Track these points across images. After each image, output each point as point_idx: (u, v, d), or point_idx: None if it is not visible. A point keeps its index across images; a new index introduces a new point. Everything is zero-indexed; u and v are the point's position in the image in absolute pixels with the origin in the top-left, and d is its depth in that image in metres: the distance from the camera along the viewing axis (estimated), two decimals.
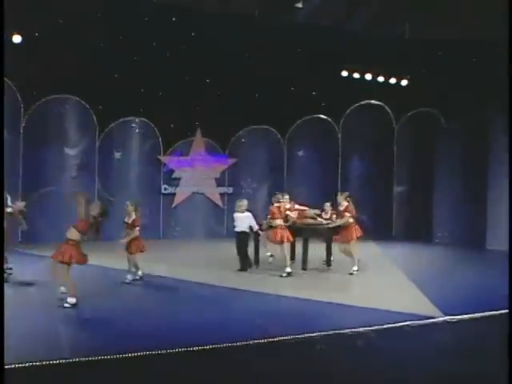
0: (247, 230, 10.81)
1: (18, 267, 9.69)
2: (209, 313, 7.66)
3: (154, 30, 13.44)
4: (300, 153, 17.61)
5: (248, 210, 10.82)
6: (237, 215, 10.86)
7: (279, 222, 10.57)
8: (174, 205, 16.44)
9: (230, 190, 16.85)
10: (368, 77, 16.40)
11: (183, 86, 14.84)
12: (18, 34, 13.12)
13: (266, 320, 7.32)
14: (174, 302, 8.63)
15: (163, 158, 16.32)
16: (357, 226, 11.09)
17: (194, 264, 11.72)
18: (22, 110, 14.29)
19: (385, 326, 6.99)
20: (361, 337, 6.61)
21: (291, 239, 10.67)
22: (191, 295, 9.06)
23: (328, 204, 11.58)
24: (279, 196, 11.08)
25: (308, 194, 15.43)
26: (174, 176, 16.44)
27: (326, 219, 11.36)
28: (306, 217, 11.59)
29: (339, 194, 11.42)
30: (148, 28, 13.32)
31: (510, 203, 13.28)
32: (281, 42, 14.18)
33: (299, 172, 17.35)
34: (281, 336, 6.34)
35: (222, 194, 16.85)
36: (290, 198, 11.70)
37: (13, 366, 5.03)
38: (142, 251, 9.76)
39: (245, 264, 10.89)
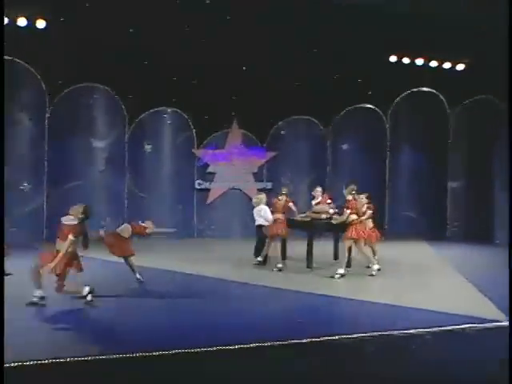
0: (264, 224, 10.70)
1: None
2: (241, 312, 7.42)
3: (186, 14, 12.61)
4: (344, 146, 16.42)
5: (266, 205, 10.77)
6: (254, 209, 10.90)
7: (279, 215, 10.55)
8: (208, 201, 15.53)
9: (269, 185, 15.78)
10: (419, 62, 15.36)
11: (218, 74, 13.89)
12: (43, 19, 12.66)
13: (315, 319, 7.08)
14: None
15: (197, 152, 15.44)
16: (357, 226, 9.63)
17: (230, 264, 11.03)
18: (47, 99, 13.60)
19: (446, 328, 6.58)
20: (419, 339, 6.28)
21: (284, 233, 10.59)
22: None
23: (362, 196, 10.27)
24: (285, 189, 11.22)
25: None
26: (208, 170, 15.53)
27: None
28: (315, 212, 10.70)
29: (344, 187, 10.07)
30: (180, 11, 12.51)
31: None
32: (322, 25, 13.13)
33: (343, 166, 16.11)
34: (331, 336, 6.12)
35: (260, 190, 15.78)
36: (323, 192, 11.43)
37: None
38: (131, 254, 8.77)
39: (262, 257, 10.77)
